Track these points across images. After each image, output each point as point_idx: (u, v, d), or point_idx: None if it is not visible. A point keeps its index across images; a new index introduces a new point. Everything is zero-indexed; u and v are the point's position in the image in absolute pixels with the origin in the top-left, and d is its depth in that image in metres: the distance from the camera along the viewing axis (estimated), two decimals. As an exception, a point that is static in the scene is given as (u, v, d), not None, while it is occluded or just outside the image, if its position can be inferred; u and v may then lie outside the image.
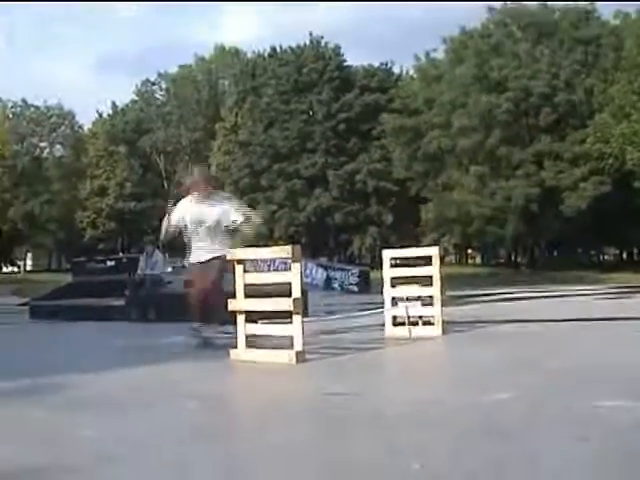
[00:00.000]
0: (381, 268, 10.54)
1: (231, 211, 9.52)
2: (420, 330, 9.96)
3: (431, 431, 4.31)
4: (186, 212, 9.71)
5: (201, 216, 9.53)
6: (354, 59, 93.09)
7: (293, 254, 7.58)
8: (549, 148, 54.58)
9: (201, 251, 9.54)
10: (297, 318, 7.63)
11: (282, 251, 8.06)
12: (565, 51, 55.76)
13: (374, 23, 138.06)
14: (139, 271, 17.19)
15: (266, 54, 76.11)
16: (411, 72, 68.14)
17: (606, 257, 79.67)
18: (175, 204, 9.81)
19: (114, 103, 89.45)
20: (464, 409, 4.98)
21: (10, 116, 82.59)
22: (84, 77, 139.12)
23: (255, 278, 8.98)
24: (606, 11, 58.46)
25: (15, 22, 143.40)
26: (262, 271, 18.98)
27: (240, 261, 8.20)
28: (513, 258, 74.04)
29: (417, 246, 12.14)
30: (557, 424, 4.35)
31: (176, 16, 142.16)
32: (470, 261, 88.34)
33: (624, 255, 74.66)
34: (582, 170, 53.23)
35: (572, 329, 10.05)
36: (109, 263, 29.02)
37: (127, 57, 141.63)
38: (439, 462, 3.65)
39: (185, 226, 9.72)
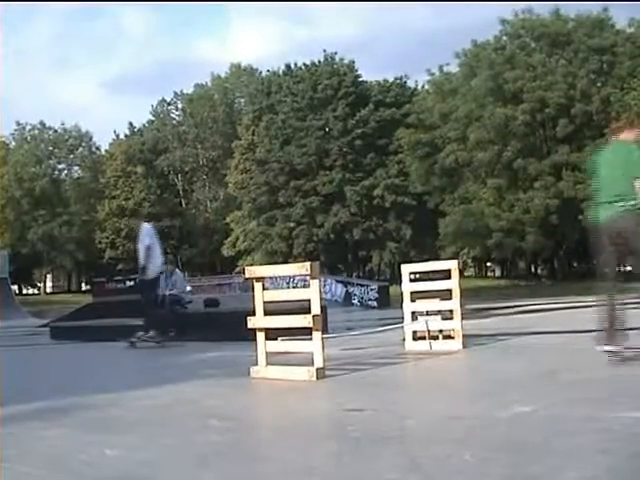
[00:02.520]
0: (400, 283, 10.51)
1: None
2: (440, 344, 9.93)
3: (452, 446, 4.29)
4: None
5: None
6: (367, 73, 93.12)
7: (312, 271, 7.57)
8: (566, 159, 54.34)
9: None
10: (317, 334, 7.63)
11: (301, 268, 8.06)
12: (580, 61, 55.57)
13: (385, 37, 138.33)
14: (158, 291, 17.18)
15: (281, 72, 76.31)
16: (426, 86, 68.08)
17: (627, 267, 79.16)
18: None
19: (131, 124, 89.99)
20: (485, 423, 4.96)
21: (28, 139, 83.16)
22: (99, 98, 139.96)
23: (274, 295, 8.98)
24: (621, 18, 58.35)
25: (30, 44, 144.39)
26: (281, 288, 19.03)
27: (259, 279, 8.20)
28: (533, 270, 73.74)
29: (436, 260, 12.11)
30: (578, 437, 4.33)
31: (189, 36, 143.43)
32: (490, 274, 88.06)
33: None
34: (600, 180, 53.04)
35: (592, 340, 9.98)
36: (128, 283, 29.14)
37: (141, 77, 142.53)
38: (459, 478, 3.63)
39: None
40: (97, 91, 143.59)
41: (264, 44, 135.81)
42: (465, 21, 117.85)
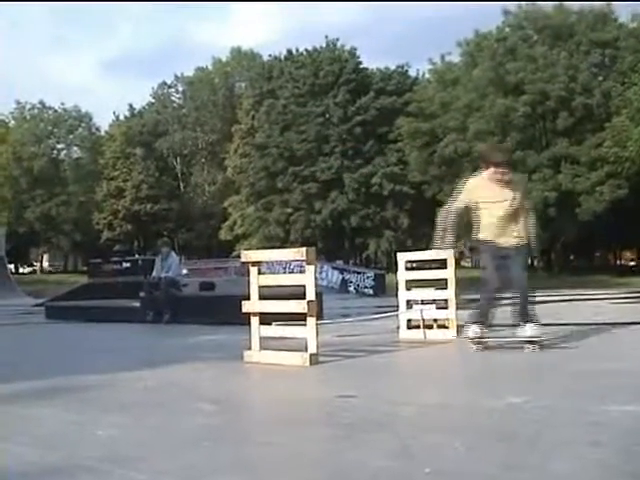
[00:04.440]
0: (396, 271, 10.53)
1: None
2: (435, 333, 9.96)
3: (443, 435, 4.30)
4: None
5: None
6: (368, 59, 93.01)
7: (307, 256, 7.57)
8: (566, 152, 54.29)
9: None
10: (311, 320, 7.63)
11: (297, 253, 8.06)
12: (582, 54, 55.46)
13: (388, 24, 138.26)
14: (154, 273, 17.20)
15: (282, 57, 76.16)
16: (427, 75, 67.94)
17: (623, 261, 79.37)
18: None
19: (131, 105, 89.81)
20: (477, 413, 4.97)
21: (27, 118, 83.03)
22: (99, 79, 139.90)
23: (270, 280, 8.98)
24: (624, 12, 58.14)
25: (30, 23, 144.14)
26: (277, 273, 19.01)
27: (255, 263, 8.20)
28: (530, 262, 73.80)
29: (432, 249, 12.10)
30: (569, 428, 4.34)
31: (190, 19, 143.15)
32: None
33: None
34: (599, 174, 52.98)
35: (588, 333, 10.00)
36: (125, 264, 29.14)
37: (142, 59, 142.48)
38: (451, 466, 3.64)
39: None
40: (97, 72, 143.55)
41: (265, 28, 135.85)
42: (468, 10, 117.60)
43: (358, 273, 35.25)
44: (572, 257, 75.96)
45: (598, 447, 3.86)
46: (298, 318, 7.87)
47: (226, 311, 13.26)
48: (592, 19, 56.62)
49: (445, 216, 8.91)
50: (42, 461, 4.02)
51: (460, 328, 9.73)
